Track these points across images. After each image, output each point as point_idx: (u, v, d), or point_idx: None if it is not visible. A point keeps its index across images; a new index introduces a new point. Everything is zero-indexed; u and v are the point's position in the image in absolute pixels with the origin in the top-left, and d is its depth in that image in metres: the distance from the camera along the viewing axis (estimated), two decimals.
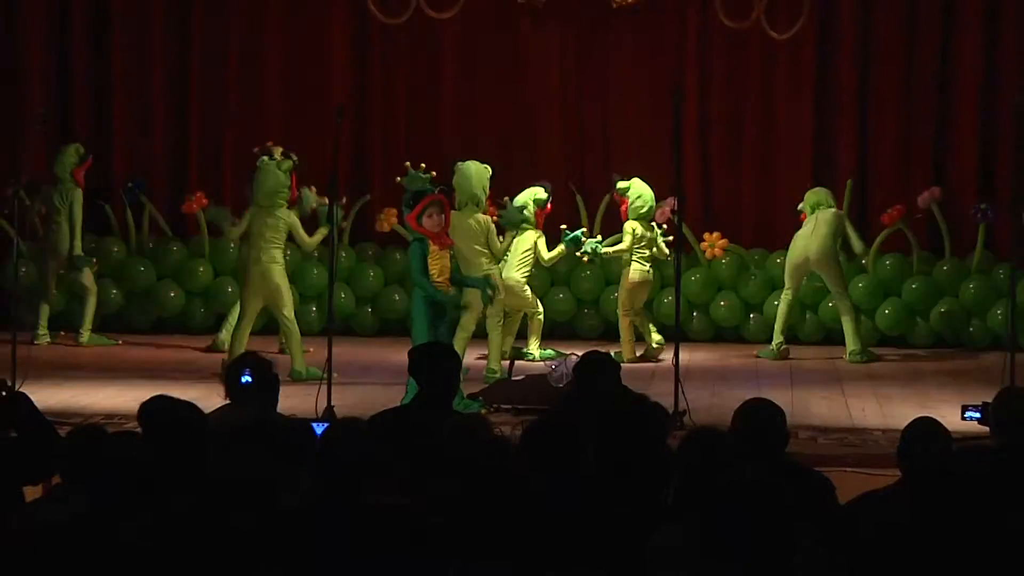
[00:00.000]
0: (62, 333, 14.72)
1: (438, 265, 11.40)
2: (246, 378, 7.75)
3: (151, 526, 5.56)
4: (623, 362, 12.78)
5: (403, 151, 15.71)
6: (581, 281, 15.15)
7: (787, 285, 14.17)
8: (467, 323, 12.78)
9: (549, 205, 13.65)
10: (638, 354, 13.82)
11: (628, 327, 13.90)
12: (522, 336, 13.82)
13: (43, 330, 14.58)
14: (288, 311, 12.83)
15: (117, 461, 5.70)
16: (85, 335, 14.57)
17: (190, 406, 6.45)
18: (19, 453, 6.75)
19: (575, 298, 15.14)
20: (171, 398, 6.54)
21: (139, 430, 6.33)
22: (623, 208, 13.80)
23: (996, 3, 15.06)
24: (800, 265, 14.07)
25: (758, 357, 14.12)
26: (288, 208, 12.87)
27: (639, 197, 13.69)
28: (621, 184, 13.79)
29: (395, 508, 5.63)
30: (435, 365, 7.85)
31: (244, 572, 5.53)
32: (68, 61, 15.75)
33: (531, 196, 13.63)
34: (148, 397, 6.57)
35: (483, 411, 11.04)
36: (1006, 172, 14.45)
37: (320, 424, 7.30)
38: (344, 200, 13.93)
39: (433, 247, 11.41)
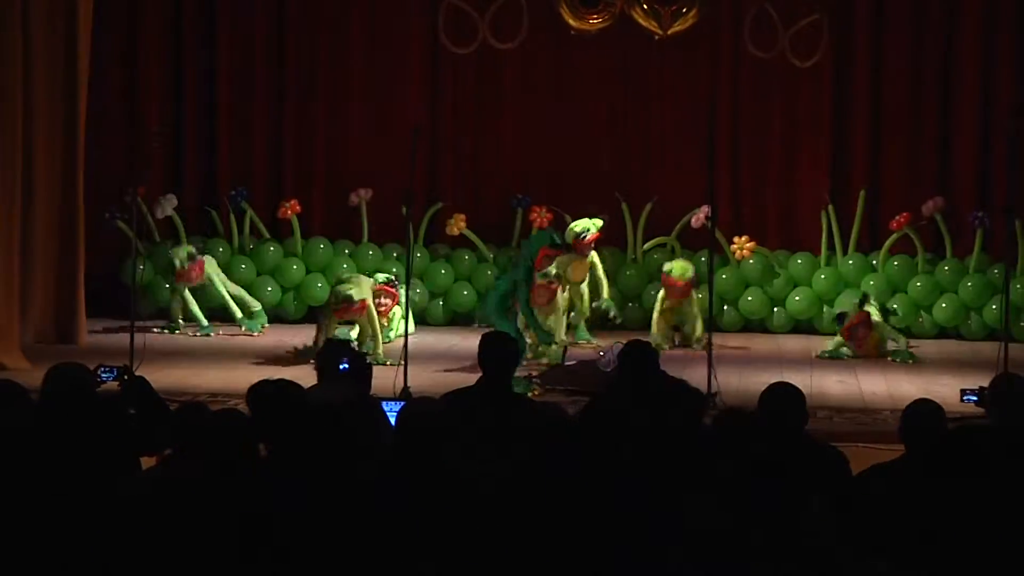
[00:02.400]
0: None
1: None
2: (344, 365, 7.79)
3: (255, 488, 5.60)
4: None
5: (471, 165, 15.79)
6: (626, 279, 15.13)
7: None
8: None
9: (588, 237, 13.33)
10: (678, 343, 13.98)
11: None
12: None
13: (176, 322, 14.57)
14: None
15: (217, 432, 5.73)
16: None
17: (293, 384, 6.49)
18: (137, 427, 6.83)
19: (620, 294, 15.11)
20: (275, 380, 6.57)
21: (238, 407, 6.36)
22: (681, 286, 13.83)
23: (992, 38, 14.97)
24: None
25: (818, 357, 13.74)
26: None
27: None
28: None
29: (465, 473, 5.65)
30: (494, 351, 7.85)
31: (330, 531, 5.56)
32: (181, 85, 15.82)
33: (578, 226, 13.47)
34: (246, 378, 6.61)
35: (535, 392, 10.97)
36: (1000, 185, 14.43)
37: (398, 402, 7.33)
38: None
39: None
